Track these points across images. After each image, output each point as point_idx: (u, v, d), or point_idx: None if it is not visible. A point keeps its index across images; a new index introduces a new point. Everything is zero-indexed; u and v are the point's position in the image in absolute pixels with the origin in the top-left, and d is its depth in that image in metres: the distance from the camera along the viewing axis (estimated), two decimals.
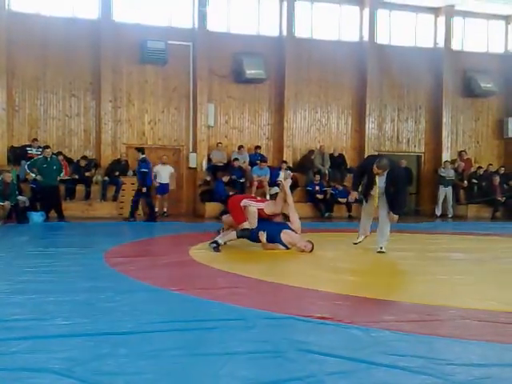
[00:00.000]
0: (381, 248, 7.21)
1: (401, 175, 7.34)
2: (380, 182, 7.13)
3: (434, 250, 7.64)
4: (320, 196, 14.66)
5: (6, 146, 13.82)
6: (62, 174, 12.26)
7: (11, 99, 14.04)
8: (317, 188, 14.72)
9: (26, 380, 2.47)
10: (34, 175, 11.77)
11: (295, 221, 7.43)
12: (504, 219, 15.06)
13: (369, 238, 7.64)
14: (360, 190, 7.67)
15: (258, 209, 7.33)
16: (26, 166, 12.09)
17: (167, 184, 13.90)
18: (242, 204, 7.33)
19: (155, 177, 13.85)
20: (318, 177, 14.91)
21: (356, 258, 7.00)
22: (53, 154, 12.42)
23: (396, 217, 7.19)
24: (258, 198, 8.08)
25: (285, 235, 7.25)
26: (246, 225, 7.22)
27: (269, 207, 7.49)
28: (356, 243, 7.62)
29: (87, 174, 13.38)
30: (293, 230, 7.33)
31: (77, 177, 13.29)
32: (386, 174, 7.07)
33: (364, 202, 7.64)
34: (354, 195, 7.65)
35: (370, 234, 7.61)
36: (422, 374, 2.60)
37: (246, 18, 15.73)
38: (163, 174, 13.90)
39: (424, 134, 17.40)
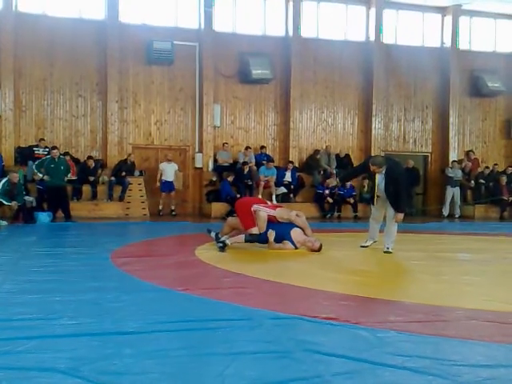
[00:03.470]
0: (387, 248, 7.20)
1: (399, 173, 7.30)
2: (380, 180, 7.18)
3: (441, 251, 7.60)
4: (330, 199, 14.46)
5: (13, 147, 13.89)
6: (69, 175, 12.27)
7: (18, 100, 14.11)
8: (326, 191, 14.49)
9: (32, 379, 2.47)
10: (41, 175, 11.79)
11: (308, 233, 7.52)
12: None
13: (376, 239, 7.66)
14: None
15: (268, 215, 7.34)
16: (33, 167, 12.13)
17: (172, 182, 13.95)
18: (252, 209, 7.34)
19: (161, 174, 13.93)
20: (331, 180, 14.61)
21: (362, 259, 6.99)
22: (60, 154, 12.44)
23: (401, 216, 7.17)
24: (269, 203, 8.02)
25: (294, 234, 7.28)
26: (254, 230, 7.25)
27: (281, 214, 7.46)
28: (363, 246, 7.64)
29: (91, 178, 13.36)
30: (301, 228, 7.37)
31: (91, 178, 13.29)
32: (384, 172, 7.10)
33: (372, 207, 7.67)
34: (330, 182, 9.10)
35: (377, 240, 7.63)
36: (429, 375, 2.59)
37: (252, 18, 15.73)
38: (169, 171, 13.96)
39: (431, 133, 17.34)
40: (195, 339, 3.12)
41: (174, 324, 3.39)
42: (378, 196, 7.33)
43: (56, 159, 11.85)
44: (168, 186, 13.93)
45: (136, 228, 11.45)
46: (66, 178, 12.04)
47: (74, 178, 12.87)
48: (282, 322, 3.50)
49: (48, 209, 11.86)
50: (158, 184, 13.90)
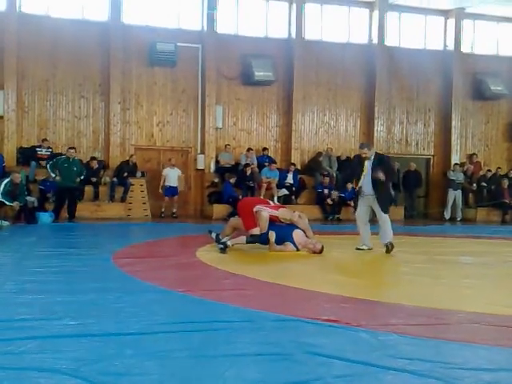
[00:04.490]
0: (388, 243, 7.22)
1: (387, 161, 7.76)
2: (368, 167, 7.47)
3: (443, 253, 7.60)
4: (330, 201, 14.48)
5: (16, 147, 13.91)
6: (82, 177, 12.16)
7: (21, 100, 14.13)
8: (326, 191, 14.60)
9: (34, 379, 2.47)
10: (53, 175, 11.69)
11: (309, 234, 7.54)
12: None
13: (374, 240, 7.65)
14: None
15: (271, 215, 7.34)
16: (47, 166, 12.02)
17: (176, 187, 13.96)
18: (254, 209, 7.34)
19: (164, 180, 13.92)
20: (327, 179, 14.80)
21: (364, 261, 6.99)
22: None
23: (381, 175, 7.30)
24: (272, 204, 8.03)
25: (296, 235, 7.29)
26: (255, 231, 7.25)
27: (283, 215, 7.48)
28: (358, 248, 7.64)
29: (94, 179, 13.32)
30: (303, 231, 7.38)
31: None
32: (373, 159, 7.46)
33: (356, 212, 7.79)
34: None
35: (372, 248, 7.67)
36: (430, 378, 2.58)
37: (255, 20, 15.75)
38: (172, 176, 13.96)
39: (433, 136, 17.34)
40: (196, 341, 3.11)
41: (175, 325, 3.39)
42: (362, 193, 7.57)
43: (70, 159, 11.82)
44: (171, 191, 13.93)
45: (137, 229, 11.45)
46: (78, 179, 11.93)
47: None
48: (283, 324, 3.49)
49: (53, 209, 11.81)
50: (161, 190, 13.88)
